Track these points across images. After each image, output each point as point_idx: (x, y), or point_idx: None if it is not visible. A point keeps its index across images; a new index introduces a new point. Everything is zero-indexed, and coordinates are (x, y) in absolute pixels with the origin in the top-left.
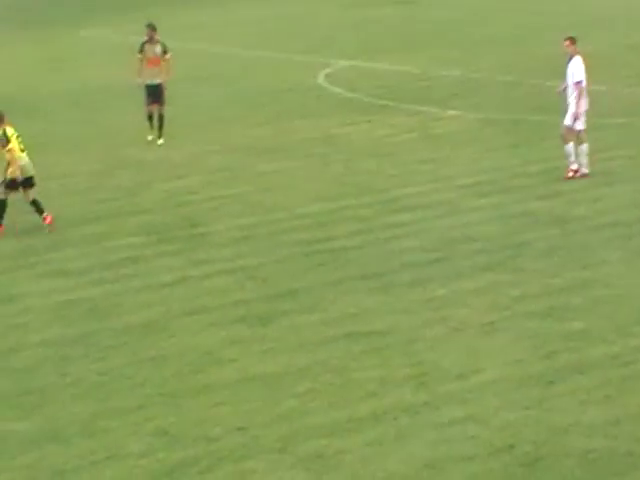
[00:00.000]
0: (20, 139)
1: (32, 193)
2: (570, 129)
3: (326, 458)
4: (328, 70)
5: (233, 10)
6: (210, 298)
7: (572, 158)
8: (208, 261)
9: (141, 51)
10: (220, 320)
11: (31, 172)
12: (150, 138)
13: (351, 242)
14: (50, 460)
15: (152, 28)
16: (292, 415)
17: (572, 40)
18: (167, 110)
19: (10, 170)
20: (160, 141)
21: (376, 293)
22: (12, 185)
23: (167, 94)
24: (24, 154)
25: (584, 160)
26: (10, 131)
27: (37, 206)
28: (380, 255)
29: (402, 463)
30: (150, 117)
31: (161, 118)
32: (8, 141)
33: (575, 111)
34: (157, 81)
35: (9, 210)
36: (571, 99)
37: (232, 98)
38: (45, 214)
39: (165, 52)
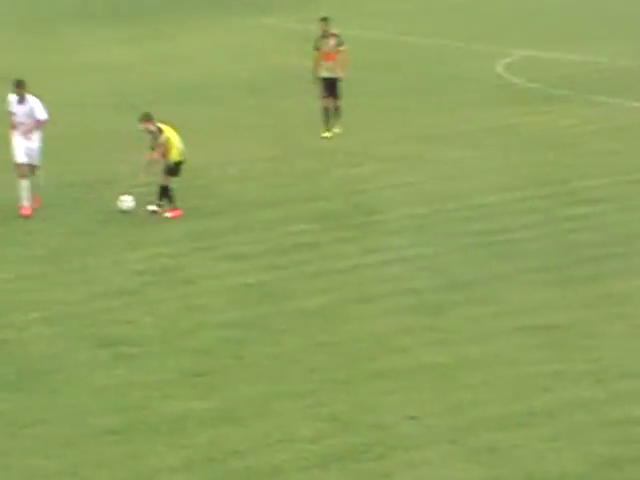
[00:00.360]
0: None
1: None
2: None
3: (499, 452)
4: (508, 60)
5: None
6: (383, 286)
7: None
8: (382, 249)
9: (316, 47)
10: (393, 308)
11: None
12: (326, 135)
13: (528, 234)
14: (226, 440)
15: (326, 22)
16: (464, 407)
17: None
18: (343, 98)
19: (170, 154)
20: (336, 129)
21: (553, 286)
22: (173, 170)
23: (344, 83)
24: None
25: None
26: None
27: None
28: (558, 248)
29: (578, 461)
30: (326, 111)
31: (337, 109)
32: (161, 131)
33: None
34: (333, 75)
35: (183, 194)
36: None
37: (409, 86)
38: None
39: (340, 45)
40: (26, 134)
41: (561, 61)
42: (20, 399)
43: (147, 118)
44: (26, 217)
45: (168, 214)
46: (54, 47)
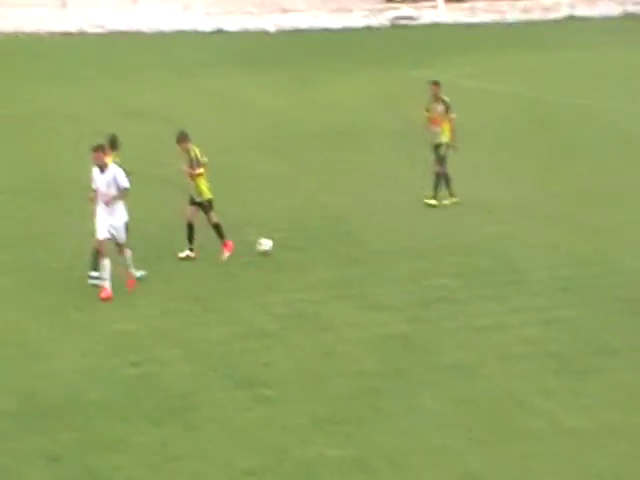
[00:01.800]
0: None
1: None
2: None
3: None
4: None
5: (559, 55)
6: (524, 347)
7: None
8: (524, 309)
9: (427, 109)
10: (534, 370)
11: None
12: (431, 202)
13: None
14: None
15: (437, 85)
16: (605, 476)
17: None
18: (488, 155)
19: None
20: (446, 201)
21: None
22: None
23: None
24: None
25: None
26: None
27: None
28: None
29: None
30: (436, 176)
31: (439, 176)
32: (199, 164)
33: None
34: (438, 141)
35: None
36: None
37: (557, 146)
38: (226, 240)
39: (447, 110)
40: (108, 205)
41: None
42: (159, 433)
43: (185, 138)
44: (105, 300)
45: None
46: (205, 89)
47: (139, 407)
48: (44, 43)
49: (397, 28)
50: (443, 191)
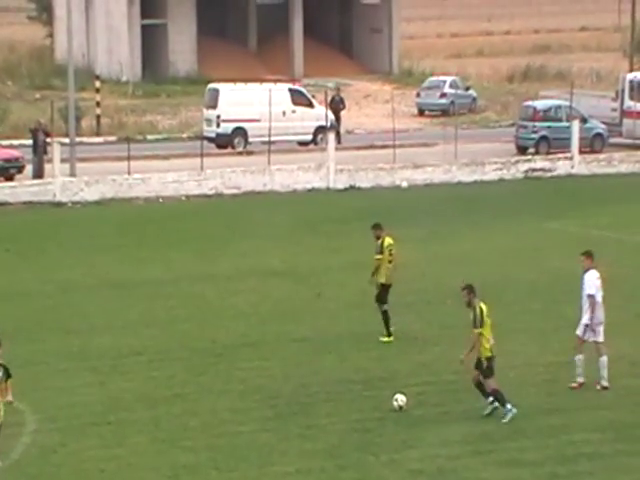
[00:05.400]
0: (391, 251)
1: None
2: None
3: None
4: None
5: None
6: None
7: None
8: None
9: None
10: None
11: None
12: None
13: None
14: None
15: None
16: None
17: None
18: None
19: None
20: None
21: None
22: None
23: None
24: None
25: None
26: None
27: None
28: None
29: None
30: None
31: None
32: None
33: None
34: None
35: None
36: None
37: None
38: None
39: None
40: None
41: None
42: None
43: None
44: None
45: None
46: (338, 246)
47: None
48: (182, 206)
49: (531, 180)
50: None
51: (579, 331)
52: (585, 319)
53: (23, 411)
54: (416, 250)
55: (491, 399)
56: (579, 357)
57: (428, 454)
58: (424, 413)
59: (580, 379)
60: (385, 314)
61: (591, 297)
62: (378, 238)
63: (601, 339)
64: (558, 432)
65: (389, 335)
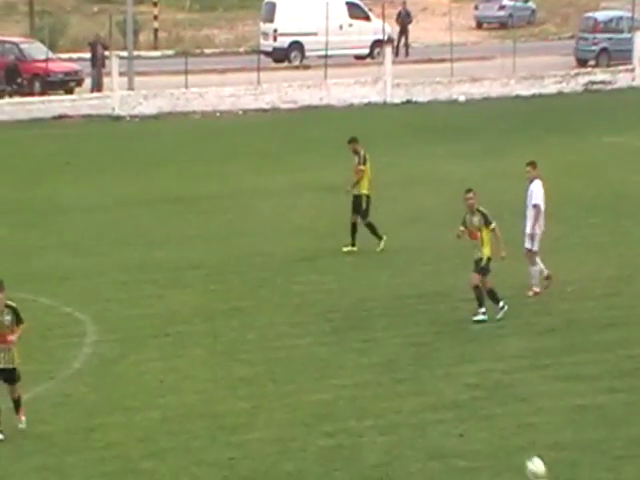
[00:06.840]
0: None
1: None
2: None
3: None
4: None
5: None
6: None
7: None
8: None
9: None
10: None
11: None
12: None
13: None
14: None
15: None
16: None
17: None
18: None
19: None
20: None
21: None
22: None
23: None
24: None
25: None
26: None
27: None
28: None
29: None
30: None
31: None
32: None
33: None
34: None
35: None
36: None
37: None
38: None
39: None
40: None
41: None
42: None
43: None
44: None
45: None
46: (396, 161)
47: (333, 478)
48: (239, 120)
49: (590, 93)
50: None
51: (527, 244)
52: (529, 228)
53: (84, 322)
54: (472, 165)
55: (502, 304)
56: (535, 268)
57: (485, 368)
58: (480, 328)
59: (536, 288)
60: (370, 225)
61: (536, 207)
62: (356, 152)
63: (536, 248)
64: (616, 346)
65: (353, 246)
